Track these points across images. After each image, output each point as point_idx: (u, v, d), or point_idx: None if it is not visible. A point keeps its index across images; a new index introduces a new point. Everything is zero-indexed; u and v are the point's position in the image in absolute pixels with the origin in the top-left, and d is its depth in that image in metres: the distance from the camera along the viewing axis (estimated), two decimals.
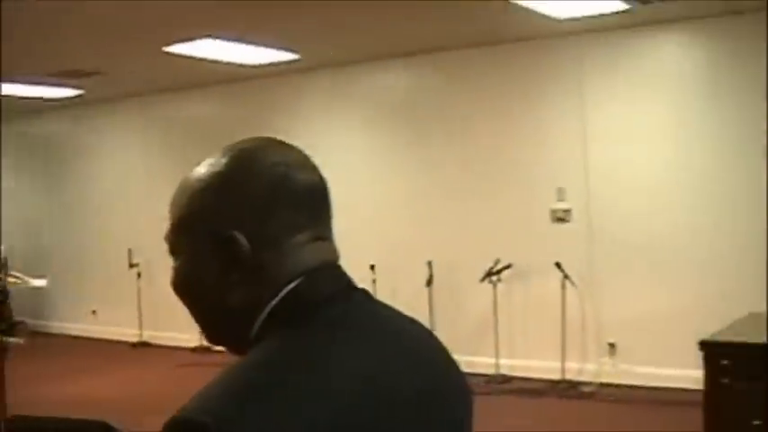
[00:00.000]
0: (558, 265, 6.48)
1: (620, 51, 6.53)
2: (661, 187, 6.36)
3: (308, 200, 1.08)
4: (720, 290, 5.84)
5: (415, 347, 1.10)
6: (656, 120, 6.41)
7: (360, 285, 1.11)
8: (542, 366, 6.64)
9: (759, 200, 5.82)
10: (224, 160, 1.07)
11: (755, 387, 2.76)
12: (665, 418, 5.39)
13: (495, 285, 6.73)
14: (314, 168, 1.11)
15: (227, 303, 1.05)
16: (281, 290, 1.04)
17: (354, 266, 1.22)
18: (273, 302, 1.04)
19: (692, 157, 6.26)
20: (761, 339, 2.94)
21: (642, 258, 6.38)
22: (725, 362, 2.80)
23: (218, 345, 1.11)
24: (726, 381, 2.80)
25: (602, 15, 5.93)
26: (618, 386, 6.28)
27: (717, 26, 6.11)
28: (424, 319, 1.21)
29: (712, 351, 2.82)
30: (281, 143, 1.12)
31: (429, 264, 7.06)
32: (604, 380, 6.41)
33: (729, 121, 6.13)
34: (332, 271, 1.09)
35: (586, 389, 6.33)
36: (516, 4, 5.48)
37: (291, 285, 1.04)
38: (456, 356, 1.17)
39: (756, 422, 2.76)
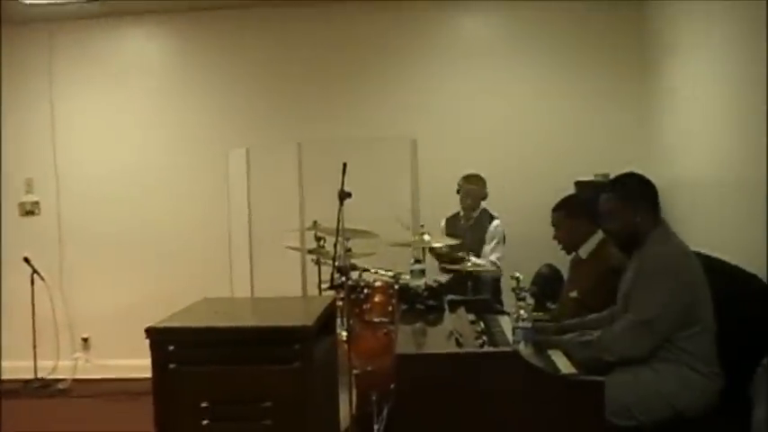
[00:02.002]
0: (26, 259, 6.03)
1: (90, 42, 6.30)
2: (129, 180, 6.31)
3: None
4: (188, 278, 5.98)
5: None
6: (125, 111, 6.33)
7: None
8: (14, 367, 6.10)
9: (221, 191, 6.13)
10: None
11: (201, 370, 2.81)
12: (138, 408, 5.33)
13: None
14: None
15: None
16: None
17: None
18: None
19: (159, 151, 6.32)
20: (207, 323, 3.02)
21: (113, 251, 6.26)
22: (171, 347, 2.80)
23: None
24: (173, 366, 2.80)
25: (69, 3, 5.65)
26: (93, 381, 6.09)
27: (185, 21, 6.27)
28: None
29: (159, 337, 2.80)
30: None
31: None
32: (79, 375, 6.17)
33: (198, 115, 6.36)
34: None
35: (61, 386, 6.00)
36: None
37: None
38: None
39: (204, 404, 2.81)
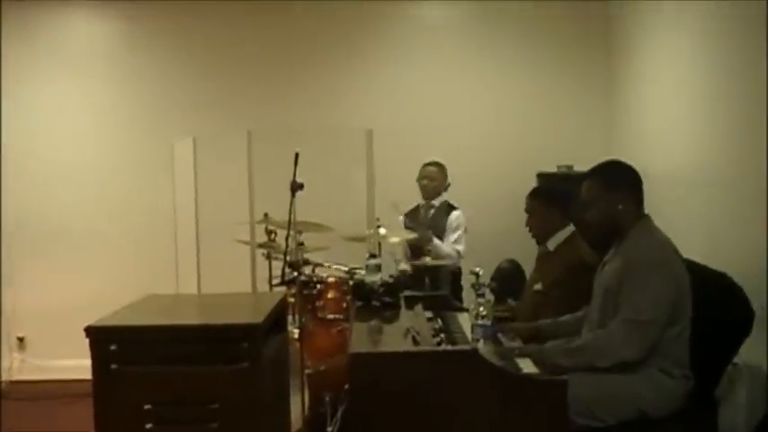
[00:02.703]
0: None
1: (35, 24, 6.21)
2: (70, 172, 6.25)
3: None
4: (132, 274, 5.95)
5: None
6: (67, 99, 6.26)
7: None
8: None
9: (167, 182, 6.07)
10: None
11: (144, 371, 2.77)
12: (78, 412, 5.25)
13: None
14: None
15: None
16: None
17: None
18: None
19: (101, 141, 6.28)
20: (151, 321, 2.98)
21: (51, 245, 6.18)
22: (113, 347, 2.76)
23: None
24: (115, 366, 2.76)
25: None
26: (30, 383, 5.98)
27: (130, 3, 6.19)
28: None
29: (100, 336, 2.75)
30: None
31: None
32: (15, 377, 6.07)
33: (142, 102, 6.27)
34: None
35: None
36: None
37: None
38: None
39: (147, 406, 2.77)
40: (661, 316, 2.94)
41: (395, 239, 4.94)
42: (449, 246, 5.36)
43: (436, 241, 5.29)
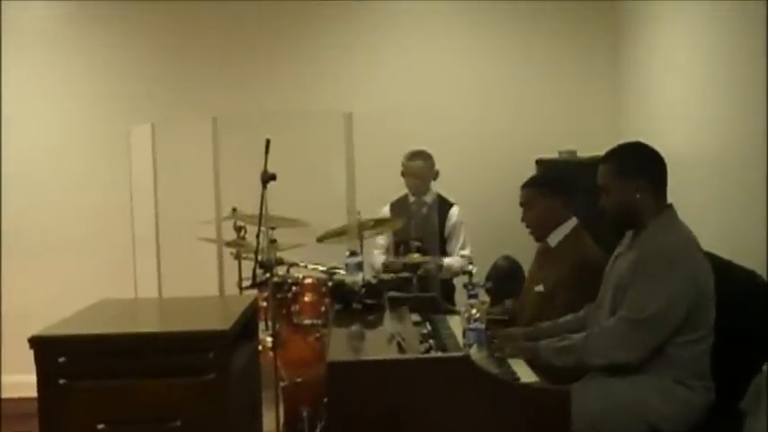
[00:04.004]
0: None
1: None
2: (15, 162, 6.20)
3: None
4: (83, 276, 5.94)
5: None
6: (18, 83, 6.19)
7: None
8: None
9: (123, 173, 6.04)
10: None
11: (97, 385, 2.75)
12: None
13: None
14: None
15: None
16: None
17: None
18: None
19: (50, 127, 6.25)
20: (105, 329, 2.96)
21: None
22: (61, 359, 2.74)
23: None
24: (64, 381, 2.74)
25: None
26: None
27: None
28: None
29: (46, 348, 2.73)
30: None
31: None
32: None
33: (95, 84, 6.24)
34: None
35: None
36: None
37: None
38: None
39: (101, 426, 2.75)
40: (668, 317, 2.93)
41: (381, 241, 4.92)
42: (458, 259, 5.32)
43: (446, 262, 5.25)
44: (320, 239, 4.79)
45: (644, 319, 2.93)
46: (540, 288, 3.92)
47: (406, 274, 4.84)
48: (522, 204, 4.06)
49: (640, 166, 3.15)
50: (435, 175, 5.49)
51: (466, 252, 5.37)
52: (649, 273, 2.97)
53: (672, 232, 3.06)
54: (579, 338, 3.10)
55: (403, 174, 5.45)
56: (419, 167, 5.43)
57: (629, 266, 3.07)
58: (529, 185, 4.08)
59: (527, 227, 4.05)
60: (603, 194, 3.20)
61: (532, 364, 3.13)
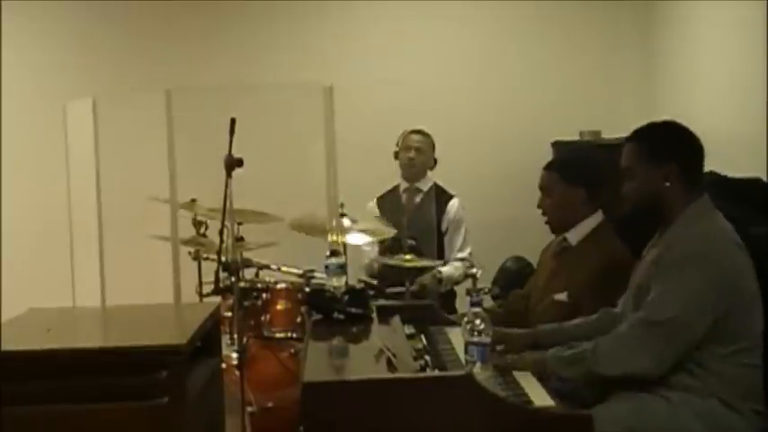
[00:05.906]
0: None
1: None
2: None
3: None
4: (10, 281, 5.96)
5: None
6: None
7: None
8: None
9: (57, 157, 6.04)
10: None
11: (27, 411, 2.73)
12: None
13: None
14: None
15: None
16: None
17: None
18: None
19: None
20: (36, 345, 2.95)
21: None
22: None
23: None
24: None
25: None
26: None
27: None
28: None
29: None
30: None
31: None
32: None
33: (24, 54, 6.22)
34: None
35: None
36: None
37: None
38: None
39: None
40: (692, 321, 2.93)
41: (368, 239, 4.92)
42: (459, 266, 5.30)
43: (445, 274, 5.24)
44: (294, 226, 4.73)
45: (663, 321, 2.94)
46: (561, 297, 3.88)
47: (396, 289, 4.86)
48: (540, 188, 4.05)
49: (673, 148, 3.15)
50: (433, 164, 5.49)
51: (464, 254, 5.36)
52: (672, 269, 2.98)
53: (703, 223, 3.07)
54: (590, 345, 3.10)
55: (397, 154, 5.44)
56: (419, 140, 5.45)
57: (651, 263, 3.09)
58: (551, 168, 4.07)
59: (543, 214, 4.04)
60: (626, 179, 3.20)
61: (540, 376, 3.13)
